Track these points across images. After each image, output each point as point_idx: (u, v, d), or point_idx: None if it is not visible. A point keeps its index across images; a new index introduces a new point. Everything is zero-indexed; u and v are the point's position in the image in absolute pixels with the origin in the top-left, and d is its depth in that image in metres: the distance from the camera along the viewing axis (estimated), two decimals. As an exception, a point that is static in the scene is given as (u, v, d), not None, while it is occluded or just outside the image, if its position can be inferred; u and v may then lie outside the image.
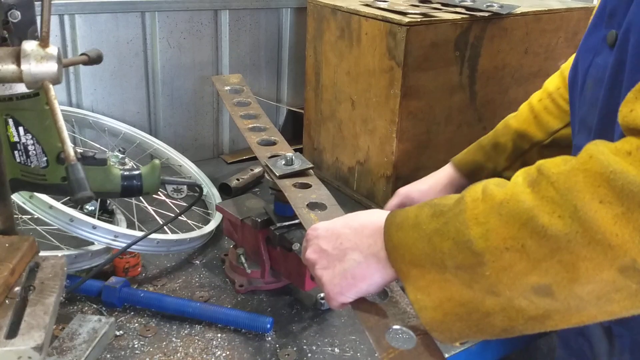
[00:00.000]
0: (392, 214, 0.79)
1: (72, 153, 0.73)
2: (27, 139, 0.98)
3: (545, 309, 0.65)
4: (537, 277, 0.63)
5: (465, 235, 0.67)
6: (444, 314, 0.72)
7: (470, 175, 1.25)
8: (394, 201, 1.26)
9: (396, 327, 0.79)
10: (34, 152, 1.00)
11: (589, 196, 0.58)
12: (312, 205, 1.09)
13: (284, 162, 1.22)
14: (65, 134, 0.75)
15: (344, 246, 0.82)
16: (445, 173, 1.28)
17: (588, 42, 0.87)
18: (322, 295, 1.23)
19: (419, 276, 0.73)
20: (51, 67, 0.77)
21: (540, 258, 0.62)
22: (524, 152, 1.20)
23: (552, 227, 0.60)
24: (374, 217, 0.82)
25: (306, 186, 1.16)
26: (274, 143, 1.36)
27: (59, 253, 1.21)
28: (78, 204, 1.29)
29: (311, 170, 1.23)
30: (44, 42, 0.77)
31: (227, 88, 1.67)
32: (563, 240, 0.60)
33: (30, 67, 0.76)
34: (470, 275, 0.68)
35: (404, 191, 1.26)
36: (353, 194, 1.75)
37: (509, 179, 1.17)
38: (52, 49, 0.77)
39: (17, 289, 0.85)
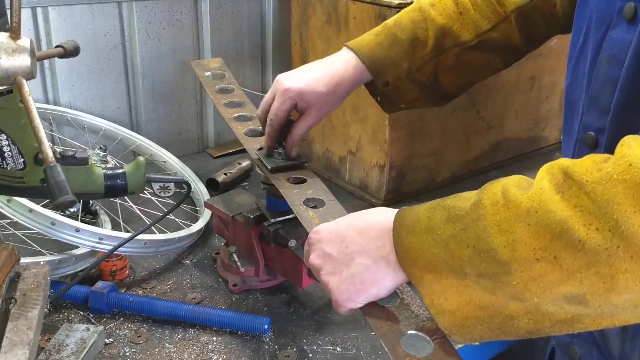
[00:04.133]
0: (400, 215, 0.74)
1: (50, 154, 0.67)
2: (1, 140, 0.92)
3: (575, 313, 0.62)
4: (570, 287, 0.59)
5: (487, 244, 0.63)
6: (463, 317, 0.68)
7: (379, 72, 1.08)
8: (284, 105, 1.08)
9: (411, 332, 0.75)
10: (10, 153, 0.93)
11: (630, 209, 0.55)
12: (310, 202, 1.03)
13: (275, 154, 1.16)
14: (42, 133, 0.69)
15: (350, 249, 0.77)
16: (350, 72, 1.08)
17: (600, 8, 0.79)
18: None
19: (435, 281, 0.69)
20: (24, 60, 0.71)
21: (575, 270, 0.58)
22: (443, 51, 1.07)
23: (590, 240, 0.56)
24: (380, 217, 0.77)
25: (301, 181, 1.11)
26: (262, 134, 1.30)
27: (41, 259, 1.15)
28: (59, 210, 1.22)
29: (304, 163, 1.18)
30: (15, 34, 0.71)
31: (208, 74, 1.59)
32: (603, 255, 0.56)
33: (1, 62, 0.70)
34: (494, 283, 0.64)
35: (295, 89, 1.07)
36: (345, 185, 1.70)
37: (418, 80, 1.08)
38: (24, 41, 0.71)
39: (-4, 302, 0.80)
